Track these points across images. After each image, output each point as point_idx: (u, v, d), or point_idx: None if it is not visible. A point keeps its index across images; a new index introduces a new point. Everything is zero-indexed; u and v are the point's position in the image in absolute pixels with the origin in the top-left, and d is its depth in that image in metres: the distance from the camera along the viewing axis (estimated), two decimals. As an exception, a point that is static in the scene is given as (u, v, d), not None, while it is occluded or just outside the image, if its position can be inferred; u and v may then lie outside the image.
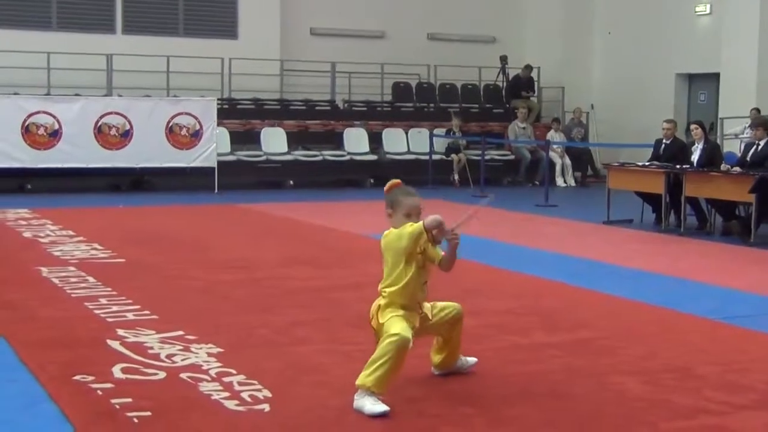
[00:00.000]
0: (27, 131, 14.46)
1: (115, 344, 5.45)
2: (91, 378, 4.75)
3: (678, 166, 11.49)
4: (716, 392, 4.74)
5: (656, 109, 17.56)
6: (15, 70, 16.04)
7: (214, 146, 15.42)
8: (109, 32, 17.72)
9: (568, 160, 18.49)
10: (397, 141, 17.83)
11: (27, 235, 10.01)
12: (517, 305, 6.87)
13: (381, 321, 4.51)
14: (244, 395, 4.53)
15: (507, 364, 5.23)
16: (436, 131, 17.83)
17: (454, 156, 17.56)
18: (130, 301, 6.62)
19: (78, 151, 14.65)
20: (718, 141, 14.75)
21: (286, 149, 16.84)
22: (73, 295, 6.87)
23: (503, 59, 19.76)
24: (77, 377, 4.76)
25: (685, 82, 18.83)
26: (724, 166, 11.13)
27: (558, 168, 18.26)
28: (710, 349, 5.68)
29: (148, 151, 14.97)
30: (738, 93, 16.15)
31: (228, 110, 17.11)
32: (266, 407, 4.39)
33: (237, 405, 4.41)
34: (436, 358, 4.94)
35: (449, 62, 19.50)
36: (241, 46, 18.08)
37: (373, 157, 17.37)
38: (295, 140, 17.18)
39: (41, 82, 16.44)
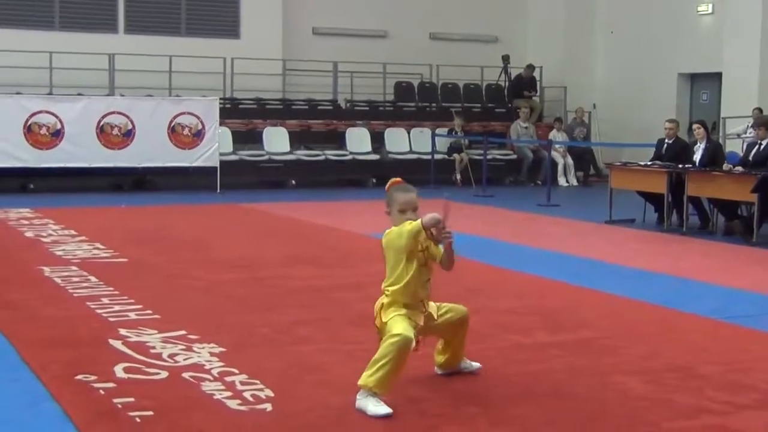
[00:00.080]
0: (29, 131, 14.46)
1: (117, 344, 5.45)
2: (93, 377, 4.75)
3: (680, 166, 11.49)
4: (718, 392, 4.74)
5: (658, 108, 17.55)
6: (17, 70, 16.05)
7: (217, 146, 15.43)
8: (111, 32, 17.73)
9: (570, 160, 18.48)
10: (399, 141, 17.83)
11: (29, 234, 10.02)
12: (519, 305, 6.87)
13: (384, 320, 4.51)
14: (247, 395, 4.53)
15: (509, 363, 5.23)
16: (438, 131, 17.83)
17: (456, 156, 17.55)
18: (132, 301, 6.62)
19: (80, 151, 14.65)
20: (721, 141, 14.74)
21: (288, 149, 16.84)
22: (75, 295, 6.88)
23: (505, 59, 19.75)
24: (79, 377, 4.76)
25: (688, 82, 18.81)
26: (726, 166, 11.12)
27: (560, 167, 18.25)
28: (712, 349, 5.67)
29: (151, 150, 14.97)
30: (740, 93, 16.13)
31: (230, 110, 17.11)
32: (268, 407, 4.39)
33: (239, 404, 4.41)
34: (439, 358, 4.94)
35: (451, 62, 19.49)
36: (244, 46, 18.09)
37: (376, 157, 17.37)
38: (297, 140, 17.18)
39: (43, 82, 16.45)
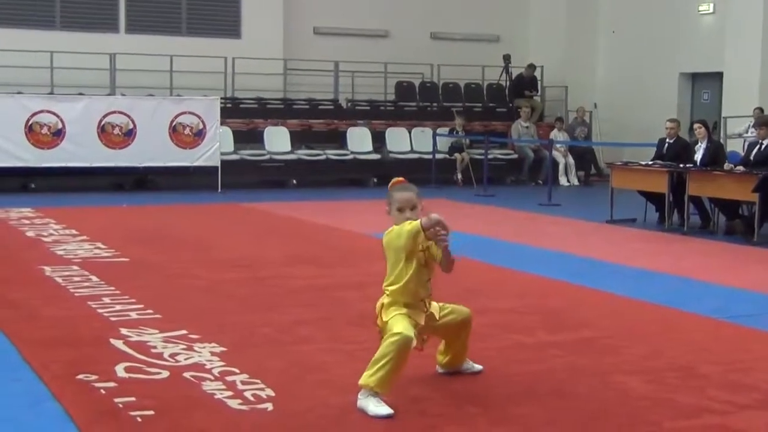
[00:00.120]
0: (30, 130, 14.46)
1: (118, 343, 5.45)
2: (94, 377, 4.75)
3: (681, 166, 11.48)
4: (720, 391, 4.74)
5: (659, 108, 17.54)
6: (18, 70, 16.05)
7: (218, 145, 15.43)
8: (112, 31, 17.73)
9: (571, 159, 18.48)
10: (400, 140, 17.83)
11: (30, 234, 10.02)
12: (520, 304, 6.87)
13: (384, 319, 4.51)
14: (247, 394, 4.53)
15: (510, 363, 5.23)
16: (439, 130, 17.82)
17: (457, 155, 17.55)
18: (133, 300, 6.62)
19: (81, 151, 14.65)
20: (722, 140, 14.74)
21: (289, 148, 16.84)
22: (76, 294, 6.88)
23: (506, 58, 19.74)
24: (80, 376, 4.77)
25: (689, 81, 18.80)
26: (727, 166, 11.13)
27: (561, 167, 18.24)
28: (713, 348, 5.67)
29: (152, 150, 14.97)
30: (741, 92, 16.12)
31: (231, 109, 17.11)
32: (269, 406, 4.39)
33: (240, 404, 4.41)
34: (441, 359, 4.94)
35: (452, 61, 19.48)
36: (245, 46, 18.09)
37: (377, 157, 17.37)
38: (298, 139, 17.18)
39: (44, 82, 16.45)
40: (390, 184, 4.70)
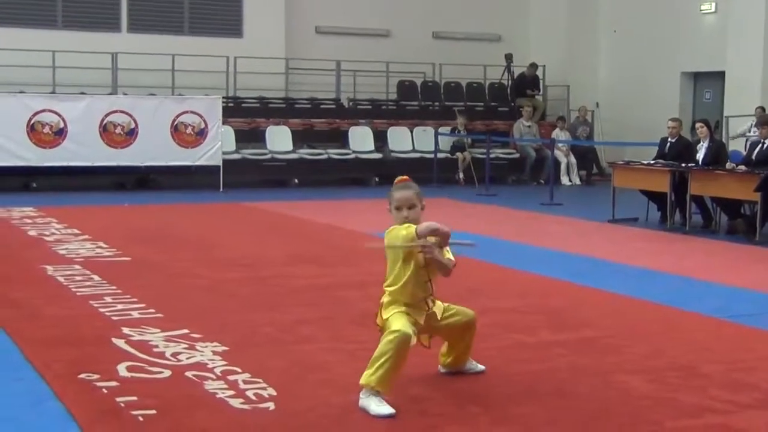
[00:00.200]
0: (32, 130, 14.47)
1: (120, 342, 5.46)
2: (96, 376, 4.75)
3: (683, 165, 11.48)
4: (721, 391, 4.74)
5: (661, 107, 17.54)
6: (20, 69, 16.06)
7: (219, 145, 15.43)
8: (114, 31, 17.74)
9: (573, 159, 18.48)
10: (402, 139, 17.83)
11: (32, 233, 10.03)
12: (522, 304, 6.87)
13: (384, 317, 4.52)
14: (249, 393, 4.54)
15: (512, 362, 5.23)
16: (441, 130, 17.82)
17: (459, 154, 17.55)
18: (135, 300, 6.63)
19: (83, 150, 14.66)
20: (723, 139, 14.73)
21: (291, 148, 16.84)
22: (78, 294, 6.88)
23: (508, 57, 19.73)
24: (82, 375, 4.77)
25: (691, 81, 18.80)
26: (729, 165, 11.12)
27: (563, 166, 18.24)
28: (715, 348, 5.67)
29: (153, 149, 14.98)
30: (743, 91, 16.12)
31: (233, 109, 17.11)
32: (271, 405, 4.39)
33: (242, 403, 4.41)
34: (443, 359, 4.94)
35: (454, 61, 19.48)
36: (246, 45, 18.09)
37: (378, 156, 17.37)
38: (300, 139, 17.19)
39: (46, 81, 16.46)
40: (394, 182, 4.71)
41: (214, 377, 4.80)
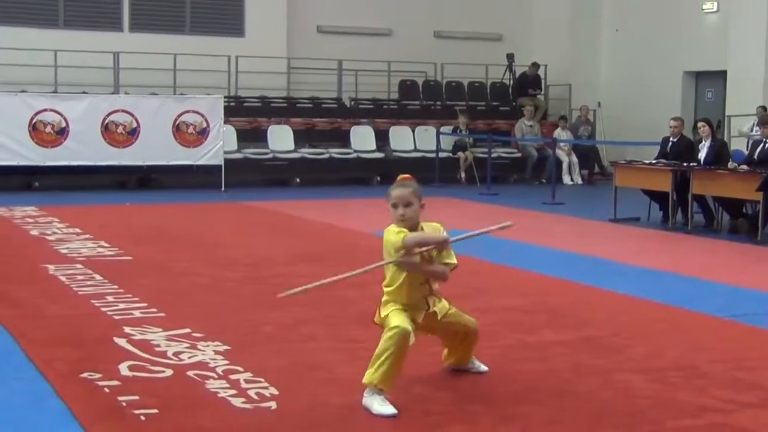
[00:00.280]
0: (34, 129, 14.48)
1: (121, 342, 5.46)
2: (98, 375, 4.75)
3: (685, 164, 11.47)
4: (723, 390, 4.73)
5: (663, 106, 17.52)
6: (22, 68, 16.07)
7: (221, 144, 15.44)
8: (116, 30, 17.74)
9: (574, 158, 18.47)
10: (403, 139, 17.83)
11: (34, 232, 10.03)
12: (524, 303, 6.86)
13: (382, 315, 4.53)
14: (251, 393, 4.54)
15: (514, 361, 5.23)
16: (442, 129, 17.82)
17: (460, 154, 17.55)
18: (136, 299, 6.63)
19: (85, 149, 14.67)
20: (725, 139, 14.73)
21: (292, 147, 16.85)
22: (79, 293, 6.88)
23: (510, 57, 19.73)
24: (84, 375, 4.77)
25: (692, 80, 18.79)
26: (731, 164, 11.11)
27: (565, 166, 18.23)
28: (717, 347, 5.67)
29: (155, 148, 14.98)
30: (745, 90, 16.12)
31: (234, 108, 17.12)
32: (273, 405, 4.39)
33: (243, 402, 4.41)
34: (444, 361, 4.95)
35: (456, 60, 19.48)
36: (248, 44, 18.09)
37: (380, 155, 17.36)
38: (301, 138, 17.19)
39: (48, 80, 16.47)
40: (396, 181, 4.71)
41: (215, 376, 4.80)
